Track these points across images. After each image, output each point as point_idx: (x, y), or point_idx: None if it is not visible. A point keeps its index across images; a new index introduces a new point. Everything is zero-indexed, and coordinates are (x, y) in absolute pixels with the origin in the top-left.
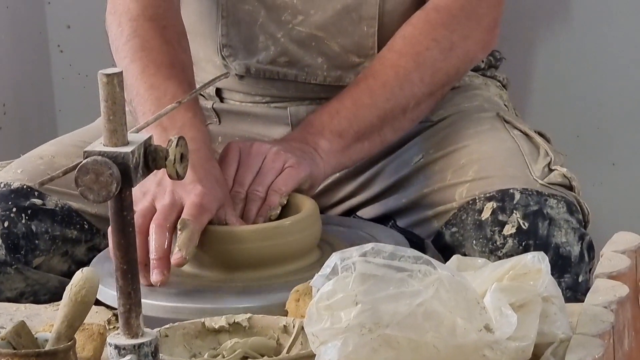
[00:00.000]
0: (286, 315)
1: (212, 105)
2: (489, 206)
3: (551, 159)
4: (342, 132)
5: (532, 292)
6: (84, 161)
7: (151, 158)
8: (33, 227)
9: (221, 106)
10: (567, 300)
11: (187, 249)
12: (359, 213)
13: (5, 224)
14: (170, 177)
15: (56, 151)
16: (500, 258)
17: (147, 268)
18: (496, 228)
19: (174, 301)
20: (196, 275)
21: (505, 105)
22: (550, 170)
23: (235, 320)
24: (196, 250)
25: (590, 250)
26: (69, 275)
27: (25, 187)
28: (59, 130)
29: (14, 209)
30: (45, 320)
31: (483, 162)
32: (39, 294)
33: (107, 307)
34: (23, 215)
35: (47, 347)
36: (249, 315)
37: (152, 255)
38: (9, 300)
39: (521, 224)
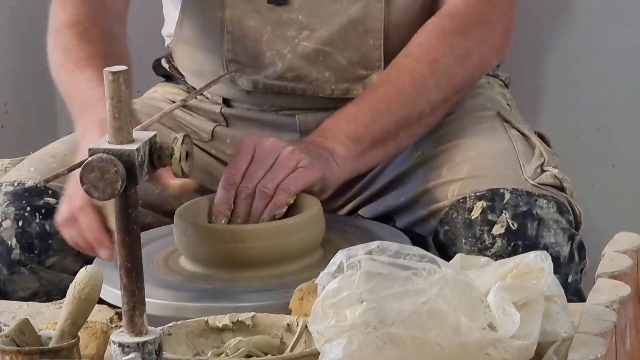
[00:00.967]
0: (290, 314)
1: (220, 110)
2: (479, 205)
3: (545, 159)
4: (359, 138)
5: (535, 291)
6: (89, 159)
7: (156, 156)
8: (47, 227)
9: (229, 111)
10: None
11: None
12: (360, 212)
13: (20, 223)
14: (176, 174)
15: (68, 149)
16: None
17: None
18: (485, 227)
19: (177, 300)
20: (199, 274)
21: (507, 104)
22: (543, 171)
23: (239, 319)
24: (199, 249)
25: (580, 251)
26: None
27: (39, 186)
28: (59, 128)
29: (28, 208)
30: (48, 318)
31: (477, 161)
32: (52, 294)
33: (110, 305)
34: (37, 214)
35: (51, 345)
36: (252, 313)
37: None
38: (22, 300)
39: (510, 224)
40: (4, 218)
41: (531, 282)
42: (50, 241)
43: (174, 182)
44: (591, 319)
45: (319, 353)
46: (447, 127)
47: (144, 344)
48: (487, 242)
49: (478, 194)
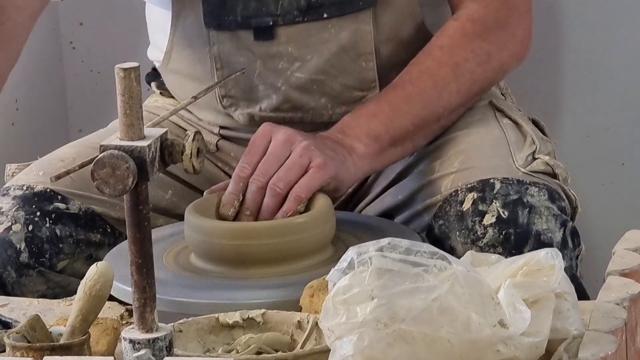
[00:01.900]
0: (300, 311)
1: (218, 132)
2: (470, 197)
3: (537, 147)
4: (378, 137)
5: (546, 288)
6: (101, 155)
7: (167, 152)
8: (57, 231)
9: (229, 133)
10: None
11: None
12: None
13: (30, 228)
14: (187, 171)
15: (77, 153)
16: (482, 248)
17: None
18: (477, 218)
19: (188, 296)
20: (210, 271)
21: (502, 93)
22: (535, 159)
23: (250, 316)
24: (209, 246)
25: (574, 237)
26: None
27: (48, 190)
28: (70, 126)
29: (38, 213)
30: (58, 315)
31: (468, 153)
32: (60, 297)
33: (121, 302)
34: (47, 219)
35: (62, 341)
36: (263, 310)
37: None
38: None
39: (501, 213)
40: (13, 222)
41: (542, 279)
42: (61, 245)
43: None
44: (602, 317)
45: (329, 350)
46: None
47: (154, 340)
48: (479, 233)
49: (469, 185)
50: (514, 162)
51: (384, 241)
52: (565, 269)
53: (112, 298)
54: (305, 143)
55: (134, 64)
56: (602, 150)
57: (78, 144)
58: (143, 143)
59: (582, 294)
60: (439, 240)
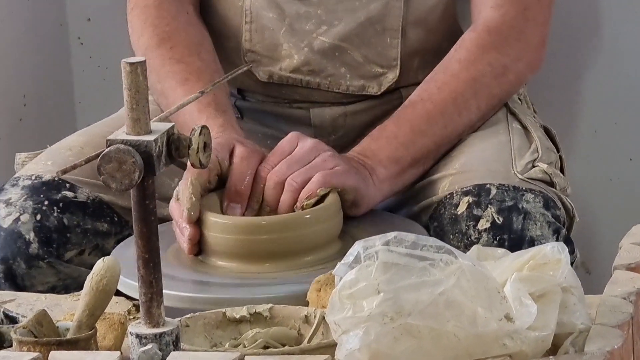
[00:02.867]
0: (307, 306)
1: (234, 102)
2: (465, 200)
3: (539, 155)
4: (399, 159)
5: (552, 282)
6: (107, 149)
7: (174, 147)
8: (65, 221)
9: (243, 104)
10: None
11: None
12: None
13: (38, 217)
14: (194, 165)
15: (85, 142)
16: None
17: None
18: (471, 222)
19: (195, 291)
20: (217, 266)
21: (519, 98)
22: (534, 167)
23: (257, 311)
24: (216, 241)
25: (567, 245)
26: None
27: (56, 179)
28: (78, 122)
29: (46, 202)
30: (65, 310)
31: (469, 156)
32: (71, 288)
33: (127, 297)
34: (55, 208)
35: (68, 336)
36: (270, 305)
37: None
38: (40, 294)
39: (495, 218)
40: (22, 212)
41: (548, 273)
42: (68, 235)
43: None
44: (608, 311)
45: (336, 344)
46: None
47: (161, 335)
48: (472, 237)
49: (465, 189)
50: (512, 167)
51: (390, 235)
52: None
53: (119, 293)
54: (330, 152)
55: (141, 59)
56: (609, 145)
57: (86, 132)
58: (150, 137)
59: None
60: None
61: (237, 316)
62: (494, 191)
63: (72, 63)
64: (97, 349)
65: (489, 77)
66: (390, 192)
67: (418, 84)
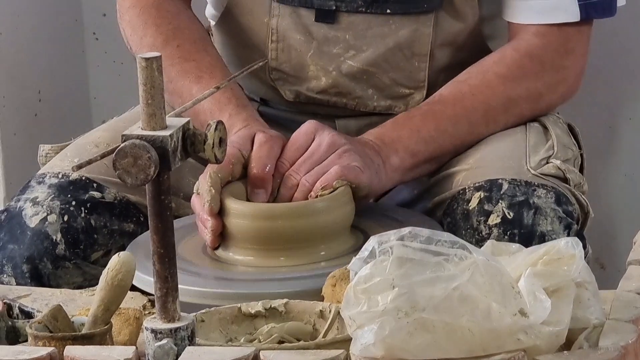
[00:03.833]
0: (322, 301)
1: (257, 108)
2: (477, 196)
3: (554, 152)
4: (417, 153)
5: (566, 277)
6: (122, 144)
7: (190, 142)
8: (92, 222)
9: (266, 110)
10: None
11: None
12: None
13: (65, 218)
14: (209, 161)
15: (111, 138)
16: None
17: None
18: (482, 218)
19: (210, 287)
20: (232, 260)
21: None
22: (548, 163)
23: (272, 306)
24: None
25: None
26: None
27: (84, 178)
28: (93, 117)
29: (74, 202)
30: (80, 305)
31: (484, 151)
32: None
33: (143, 292)
34: (82, 208)
35: (84, 331)
36: (285, 300)
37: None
38: None
39: (506, 213)
40: (49, 212)
41: (562, 268)
42: (95, 236)
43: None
44: (622, 306)
45: (351, 339)
46: None
47: (176, 330)
48: (483, 233)
49: (477, 184)
50: (526, 163)
51: (405, 230)
52: None
53: (135, 289)
54: (347, 147)
55: (156, 54)
56: (624, 140)
57: (110, 127)
58: (165, 133)
59: None
60: None
61: (253, 311)
62: (505, 186)
63: (87, 58)
64: (112, 344)
65: (523, 100)
66: (400, 182)
67: None
